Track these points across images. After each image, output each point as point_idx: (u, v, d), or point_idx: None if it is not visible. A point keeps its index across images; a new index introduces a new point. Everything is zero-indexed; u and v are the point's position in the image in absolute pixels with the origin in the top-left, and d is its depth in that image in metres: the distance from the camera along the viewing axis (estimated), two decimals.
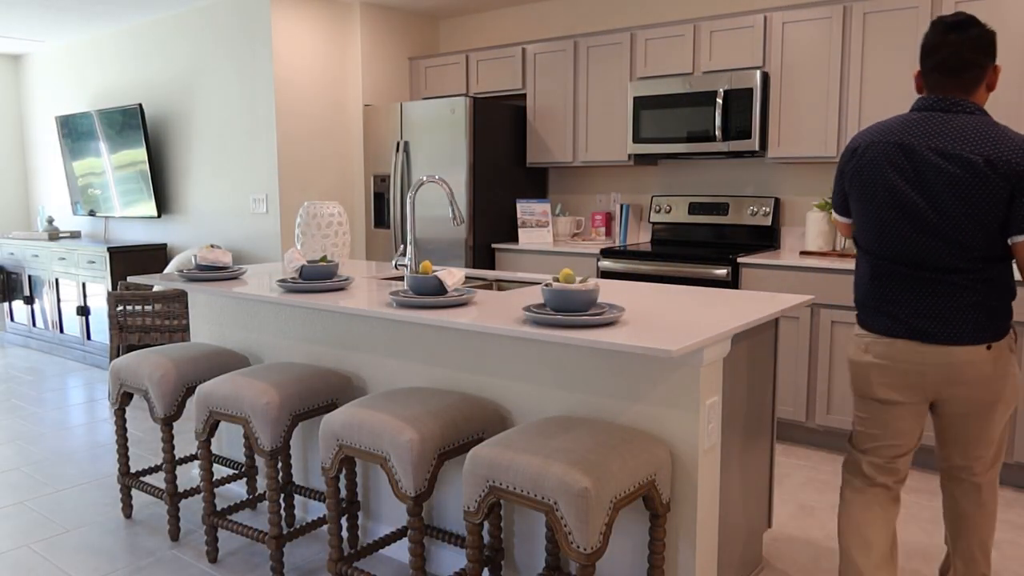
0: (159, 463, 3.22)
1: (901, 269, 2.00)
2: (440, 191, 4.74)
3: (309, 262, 2.73)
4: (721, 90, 3.99)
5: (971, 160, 1.87)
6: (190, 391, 2.81)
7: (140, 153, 5.61)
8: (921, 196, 1.93)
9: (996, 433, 2.06)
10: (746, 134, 3.95)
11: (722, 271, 3.86)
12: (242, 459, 3.26)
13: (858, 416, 2.18)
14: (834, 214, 2.29)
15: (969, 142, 1.89)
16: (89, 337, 5.79)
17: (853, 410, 2.20)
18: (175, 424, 4.13)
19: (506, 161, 4.87)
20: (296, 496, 3.04)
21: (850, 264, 3.53)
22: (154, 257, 5.73)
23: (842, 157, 2.15)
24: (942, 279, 1.95)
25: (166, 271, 4.75)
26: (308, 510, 3.04)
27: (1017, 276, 3.10)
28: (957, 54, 1.95)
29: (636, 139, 4.33)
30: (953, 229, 1.91)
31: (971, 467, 2.10)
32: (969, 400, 2.01)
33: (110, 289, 5.47)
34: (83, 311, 5.79)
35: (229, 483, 3.04)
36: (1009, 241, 1.92)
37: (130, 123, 5.62)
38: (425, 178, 2.81)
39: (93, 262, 5.60)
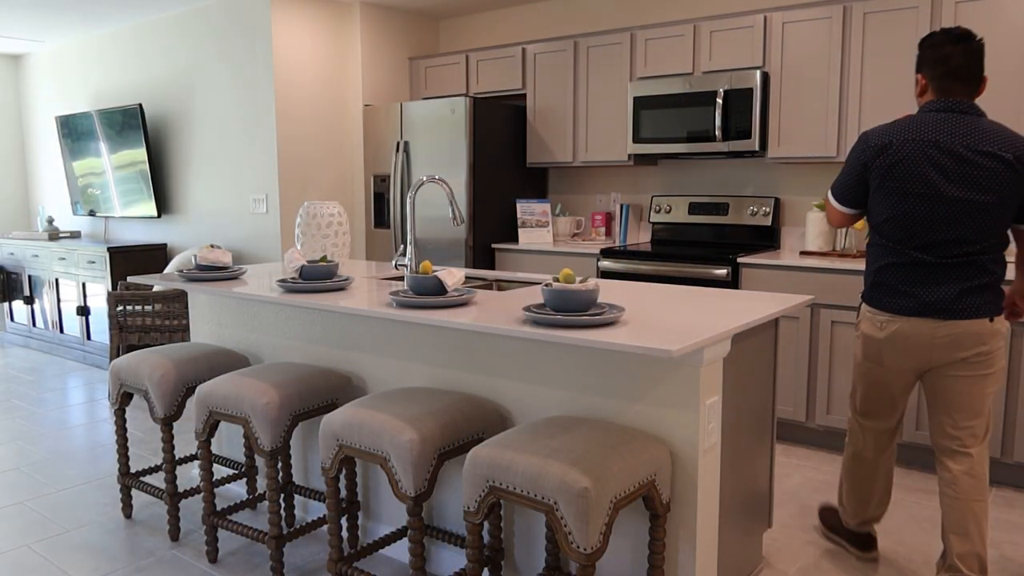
0: (159, 463, 3.22)
1: (927, 258, 2.19)
2: (440, 191, 4.74)
3: (309, 262, 2.73)
4: (721, 90, 3.99)
5: (1004, 157, 2.11)
6: (190, 391, 2.81)
7: (140, 153, 5.61)
8: (959, 188, 2.12)
9: (985, 406, 2.26)
10: (746, 134, 3.95)
11: (722, 271, 3.86)
12: (242, 459, 3.26)
13: (860, 379, 2.44)
14: (835, 203, 2.36)
15: (995, 141, 2.12)
16: (89, 337, 5.79)
17: (855, 367, 2.46)
18: (175, 424, 4.13)
19: (506, 161, 4.87)
20: (296, 496, 3.04)
21: (850, 264, 3.53)
22: (154, 257, 5.73)
23: (865, 151, 2.27)
24: (972, 261, 2.16)
25: (166, 271, 4.75)
26: (308, 510, 3.04)
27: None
28: (968, 63, 2.17)
29: (636, 139, 4.33)
30: (988, 217, 2.13)
31: (961, 438, 2.27)
32: (967, 364, 2.22)
33: (110, 289, 5.47)
34: (83, 311, 5.79)
35: (229, 483, 3.04)
36: (1018, 227, 2.23)
37: (130, 123, 5.62)
38: (425, 178, 2.81)
39: (93, 262, 5.60)
